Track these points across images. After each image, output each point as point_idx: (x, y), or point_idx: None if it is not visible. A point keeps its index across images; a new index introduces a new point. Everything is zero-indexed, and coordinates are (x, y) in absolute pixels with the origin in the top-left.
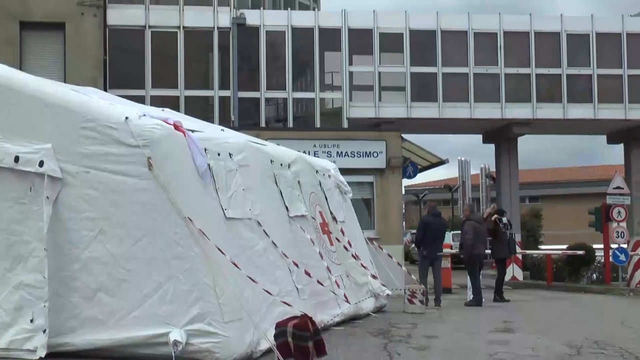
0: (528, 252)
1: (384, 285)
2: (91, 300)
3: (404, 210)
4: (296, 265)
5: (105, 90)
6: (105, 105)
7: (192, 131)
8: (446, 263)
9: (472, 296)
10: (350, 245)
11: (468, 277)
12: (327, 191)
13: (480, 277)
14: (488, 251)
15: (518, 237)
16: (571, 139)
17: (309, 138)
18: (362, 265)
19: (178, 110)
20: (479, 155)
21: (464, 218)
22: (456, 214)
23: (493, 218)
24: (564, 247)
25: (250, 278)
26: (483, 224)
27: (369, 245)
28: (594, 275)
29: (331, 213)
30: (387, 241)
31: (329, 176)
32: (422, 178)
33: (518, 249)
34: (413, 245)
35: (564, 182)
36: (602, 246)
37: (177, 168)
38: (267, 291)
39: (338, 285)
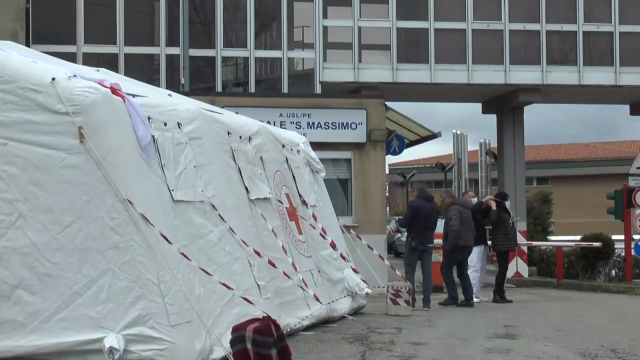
0: (535, 243)
1: (363, 282)
2: (8, 299)
3: (387, 193)
4: (258, 255)
5: (27, 45)
6: (27, 63)
7: (133, 96)
8: (437, 256)
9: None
10: (325, 233)
11: (468, 274)
12: (296, 169)
13: (475, 272)
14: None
15: (523, 226)
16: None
17: (274, 106)
18: (342, 256)
19: (116, 71)
20: (478, 128)
21: (448, 204)
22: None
23: (493, 203)
24: (578, 238)
25: (203, 270)
26: (469, 209)
27: (346, 234)
28: (613, 272)
29: (300, 196)
30: (367, 230)
31: (298, 151)
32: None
33: (523, 240)
34: (398, 234)
35: (578, 160)
36: (622, 237)
37: (114, 140)
38: (225, 285)
39: (306, 284)
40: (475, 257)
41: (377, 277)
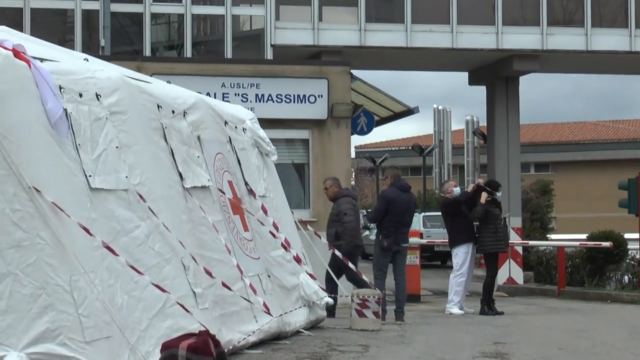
0: (532, 243)
1: (322, 290)
2: None
3: (353, 181)
4: (194, 259)
5: None
6: None
7: (41, 60)
8: (414, 259)
9: (454, 305)
10: (277, 229)
11: (451, 278)
12: (241, 152)
13: (459, 276)
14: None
15: (517, 222)
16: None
17: (215, 74)
18: (297, 258)
19: (20, 30)
20: (464, 102)
21: (332, 195)
22: (430, 187)
23: (483, 196)
24: (583, 236)
25: (133, 268)
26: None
27: (302, 231)
28: (626, 278)
29: (246, 184)
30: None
31: (244, 130)
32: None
33: (517, 239)
34: (366, 232)
35: (585, 142)
36: (637, 236)
37: (17, 114)
38: (158, 286)
39: (255, 290)
40: (460, 259)
41: (340, 283)
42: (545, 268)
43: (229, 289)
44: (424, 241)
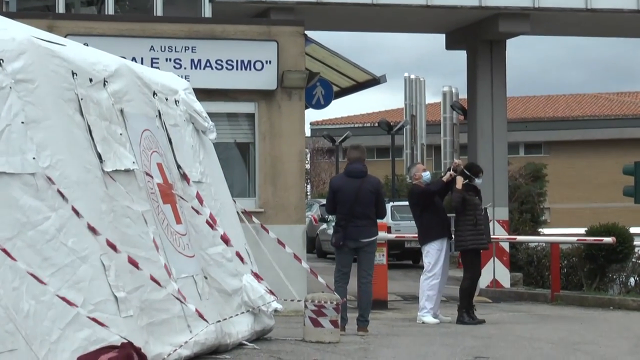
0: (520, 239)
1: (270, 294)
2: None
3: (308, 165)
4: (116, 251)
5: None
6: None
7: None
8: (380, 257)
9: (427, 312)
10: (215, 222)
11: (422, 281)
12: (173, 129)
13: (432, 279)
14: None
15: (503, 213)
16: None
17: (141, 35)
18: (240, 256)
19: None
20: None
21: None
22: (400, 171)
23: (459, 180)
24: (582, 230)
25: (34, 276)
26: None
27: (246, 224)
28: (632, 280)
29: (179, 167)
30: (277, 218)
31: (177, 102)
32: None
33: (503, 234)
34: (324, 225)
35: (584, 118)
36: None
37: None
38: (65, 299)
39: (188, 294)
40: (432, 258)
41: (292, 286)
42: (536, 268)
43: (158, 284)
44: (392, 236)
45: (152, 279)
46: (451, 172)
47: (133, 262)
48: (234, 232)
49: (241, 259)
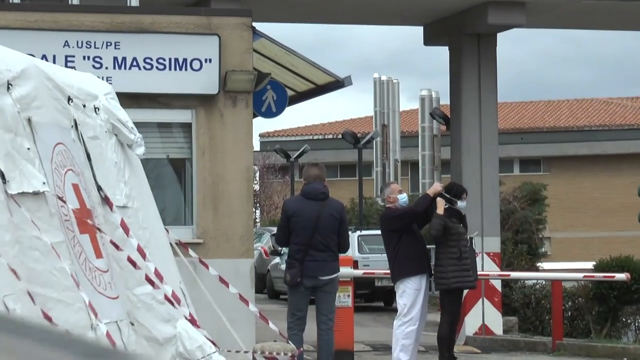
0: (516, 275)
1: (210, 343)
2: None
3: (257, 186)
4: (23, 298)
5: None
6: None
7: None
8: (345, 298)
9: None
10: (144, 256)
11: (395, 327)
12: (92, 142)
13: (408, 324)
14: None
15: (494, 245)
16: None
17: (54, 28)
18: (174, 297)
19: None
20: (418, 70)
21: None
22: (369, 193)
23: (440, 203)
24: (589, 265)
25: None
26: None
27: (181, 258)
28: None
29: (99, 189)
30: (219, 251)
31: (97, 110)
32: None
33: (494, 269)
34: (277, 259)
35: (592, 128)
36: None
37: None
38: None
39: (114, 342)
40: (408, 299)
41: (237, 334)
42: (534, 311)
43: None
44: (359, 272)
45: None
46: (431, 192)
47: (44, 306)
48: (166, 268)
49: (176, 300)
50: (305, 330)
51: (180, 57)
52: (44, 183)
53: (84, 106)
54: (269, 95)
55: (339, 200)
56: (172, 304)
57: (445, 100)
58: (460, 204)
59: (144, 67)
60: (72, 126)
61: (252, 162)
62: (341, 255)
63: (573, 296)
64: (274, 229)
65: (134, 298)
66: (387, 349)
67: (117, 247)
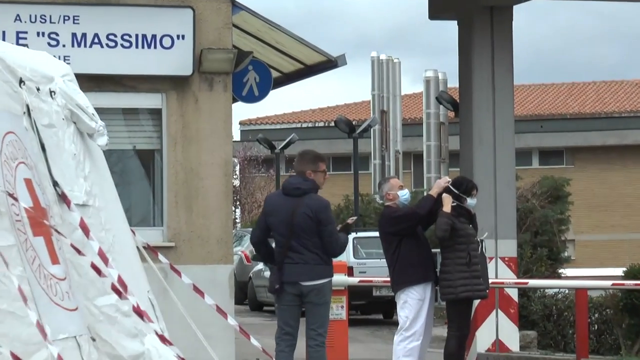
0: (534, 283)
1: None
2: None
3: (237, 180)
4: None
5: None
6: None
7: None
8: (338, 310)
9: None
10: (106, 262)
11: (396, 342)
12: (48, 131)
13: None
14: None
15: (510, 248)
16: None
17: (5, 0)
18: (139, 310)
19: None
20: (422, 49)
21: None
22: (366, 189)
23: (447, 200)
24: (618, 271)
25: None
26: None
27: (149, 264)
28: None
29: (56, 185)
30: (193, 256)
31: (53, 94)
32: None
33: (510, 276)
34: (260, 265)
35: (622, 116)
36: None
37: None
38: None
39: None
40: (410, 310)
41: (215, 351)
42: (556, 325)
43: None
44: (354, 280)
45: (14, 355)
46: (436, 190)
47: None
48: (132, 276)
49: (143, 313)
50: (296, 347)
51: (149, 33)
52: None
53: (38, 90)
54: (251, 76)
55: (321, 197)
56: (141, 316)
57: (453, 83)
58: (470, 201)
59: (107, 45)
60: (24, 112)
61: (231, 154)
62: (334, 261)
63: (600, 307)
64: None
65: (95, 310)
66: None
67: (78, 251)
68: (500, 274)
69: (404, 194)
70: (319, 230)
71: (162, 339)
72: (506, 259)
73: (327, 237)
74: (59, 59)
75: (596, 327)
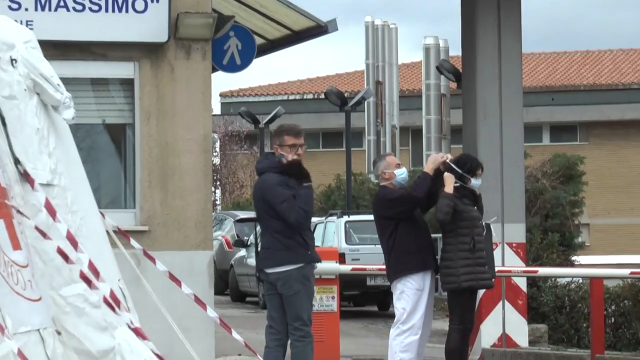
0: (545, 271)
1: (158, 357)
2: None
3: (217, 158)
4: None
5: None
6: None
7: None
8: (328, 301)
9: None
10: (75, 246)
11: (392, 337)
12: (8, 103)
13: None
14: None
15: (518, 233)
16: None
17: None
18: (112, 299)
19: None
20: (421, 13)
21: None
22: (360, 168)
23: (449, 180)
24: (637, 259)
25: None
26: None
27: (121, 250)
28: None
29: (17, 163)
30: (170, 241)
31: (13, 62)
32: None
33: (518, 263)
34: (242, 251)
35: None
36: None
37: None
38: None
39: (30, 357)
40: (407, 302)
41: (192, 346)
42: (568, 317)
43: None
44: (346, 268)
45: None
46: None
47: None
48: (102, 263)
49: (114, 304)
50: (286, 343)
51: None
52: None
53: None
54: (233, 43)
55: (270, 176)
56: (112, 308)
57: (455, 51)
58: (475, 181)
59: (74, 9)
60: None
61: (210, 129)
62: (324, 247)
63: (617, 298)
64: (239, 214)
65: (60, 300)
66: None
67: (43, 234)
68: (508, 262)
69: (402, 173)
70: (268, 209)
71: (136, 331)
72: (514, 244)
73: (273, 207)
74: (21, 23)
75: (613, 320)
